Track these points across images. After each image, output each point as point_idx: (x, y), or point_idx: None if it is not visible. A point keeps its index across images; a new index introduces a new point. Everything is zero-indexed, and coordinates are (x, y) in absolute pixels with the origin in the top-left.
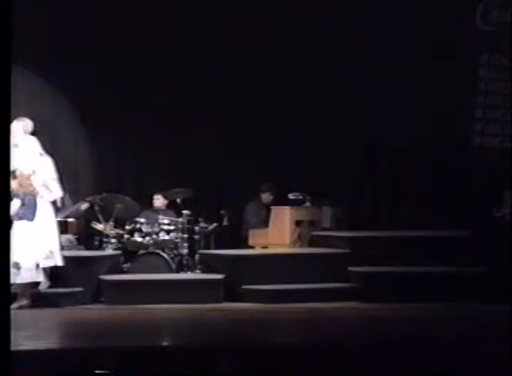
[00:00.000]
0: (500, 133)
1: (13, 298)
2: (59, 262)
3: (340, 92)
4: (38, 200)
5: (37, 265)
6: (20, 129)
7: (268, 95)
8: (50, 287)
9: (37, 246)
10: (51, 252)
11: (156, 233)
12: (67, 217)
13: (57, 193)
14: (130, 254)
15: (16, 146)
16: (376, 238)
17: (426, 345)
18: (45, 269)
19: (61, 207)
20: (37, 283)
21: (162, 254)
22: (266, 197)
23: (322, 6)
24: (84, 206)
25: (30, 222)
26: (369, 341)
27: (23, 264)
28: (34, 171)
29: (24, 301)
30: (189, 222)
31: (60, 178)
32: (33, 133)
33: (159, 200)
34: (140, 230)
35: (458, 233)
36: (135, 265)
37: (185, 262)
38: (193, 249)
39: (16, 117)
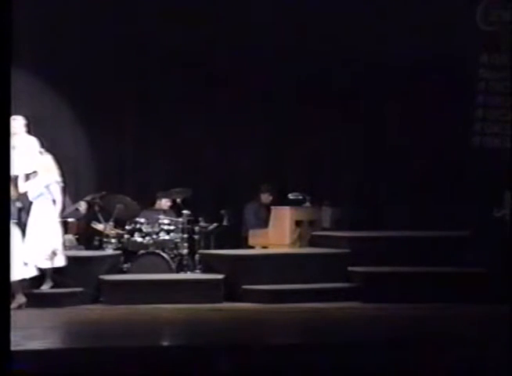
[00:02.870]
0: (500, 133)
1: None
2: (62, 263)
3: (341, 92)
4: (39, 201)
5: (25, 263)
6: (16, 129)
7: (269, 95)
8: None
9: (31, 245)
10: (53, 252)
11: (157, 233)
12: (66, 217)
13: (57, 196)
14: (130, 254)
15: (12, 147)
16: (376, 238)
17: (425, 345)
18: (47, 270)
19: (62, 207)
20: (37, 283)
21: (162, 254)
22: (266, 197)
23: None
24: (82, 207)
25: (13, 222)
26: (369, 341)
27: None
28: (36, 172)
29: (21, 299)
30: (189, 222)
31: (64, 180)
32: (28, 131)
33: (166, 204)
34: (140, 230)
35: (458, 233)
36: (135, 265)
37: (185, 262)
38: (193, 249)
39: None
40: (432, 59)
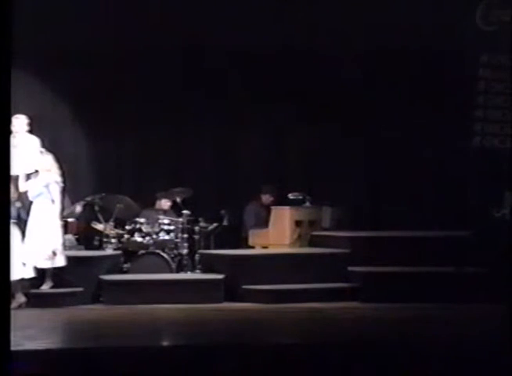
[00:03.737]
0: (500, 133)
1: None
2: (62, 263)
3: (341, 93)
4: (39, 200)
5: (24, 264)
6: (17, 127)
7: (268, 96)
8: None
9: (31, 245)
10: (53, 252)
11: (156, 233)
12: (64, 217)
13: (56, 196)
14: (130, 254)
15: (14, 146)
16: (376, 238)
17: (425, 345)
18: (47, 270)
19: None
20: (37, 283)
21: (162, 254)
22: (267, 198)
23: None
24: (78, 208)
25: (12, 222)
26: (368, 341)
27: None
28: (37, 172)
29: (21, 299)
30: (189, 222)
31: (63, 180)
32: (30, 131)
33: (166, 204)
34: (140, 230)
35: (458, 233)
36: (135, 265)
37: (185, 262)
38: (193, 249)
39: (14, 115)
40: (432, 59)
